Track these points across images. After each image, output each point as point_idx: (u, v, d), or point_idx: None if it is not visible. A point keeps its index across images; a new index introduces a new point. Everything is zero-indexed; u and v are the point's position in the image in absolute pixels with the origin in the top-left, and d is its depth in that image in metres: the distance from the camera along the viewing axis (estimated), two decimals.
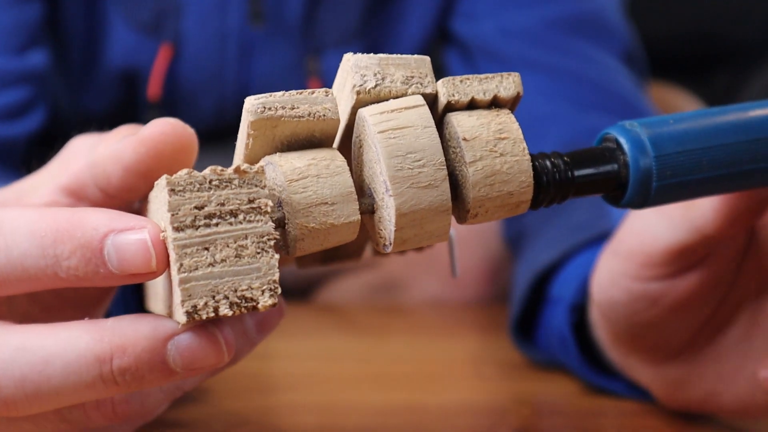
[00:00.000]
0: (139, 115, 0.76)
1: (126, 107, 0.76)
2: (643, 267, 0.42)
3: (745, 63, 1.49)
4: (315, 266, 0.46)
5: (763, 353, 0.42)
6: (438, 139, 0.31)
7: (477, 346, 0.60)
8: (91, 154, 0.36)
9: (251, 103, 0.31)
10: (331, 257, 0.44)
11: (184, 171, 0.29)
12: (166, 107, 0.76)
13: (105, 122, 0.76)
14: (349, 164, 0.33)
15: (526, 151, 0.32)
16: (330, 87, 0.67)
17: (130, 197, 0.36)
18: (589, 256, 0.52)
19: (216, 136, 0.79)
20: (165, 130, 0.34)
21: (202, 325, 0.30)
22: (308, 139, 0.32)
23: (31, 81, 0.68)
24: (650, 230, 0.41)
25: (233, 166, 0.30)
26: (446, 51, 0.80)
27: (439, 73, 0.88)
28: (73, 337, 0.30)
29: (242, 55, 0.75)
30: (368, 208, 0.32)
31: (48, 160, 0.40)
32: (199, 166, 0.68)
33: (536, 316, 0.56)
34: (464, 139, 0.32)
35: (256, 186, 0.30)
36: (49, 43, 0.71)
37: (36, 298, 0.36)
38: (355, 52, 0.34)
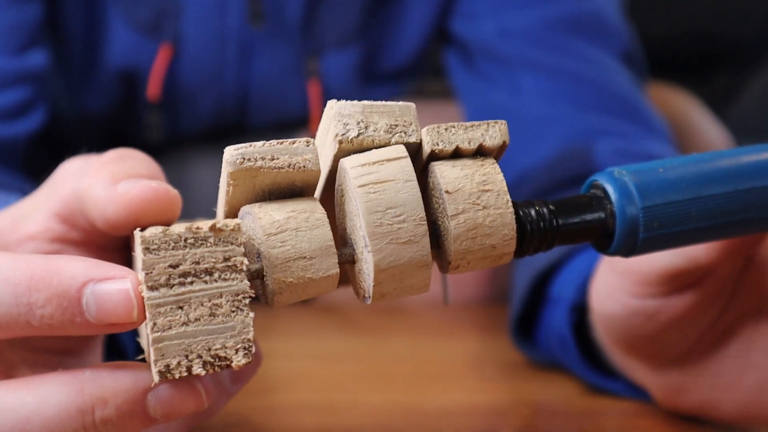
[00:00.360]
0: (139, 115, 0.77)
1: (125, 107, 0.76)
2: (638, 285, 0.42)
3: (745, 63, 1.49)
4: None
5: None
6: (419, 194, 0.31)
7: (477, 346, 0.60)
8: (78, 182, 0.35)
9: (231, 154, 0.31)
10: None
11: (159, 229, 0.29)
12: (166, 107, 0.76)
13: (104, 121, 0.77)
14: (332, 211, 0.33)
15: (510, 204, 0.32)
16: (330, 87, 0.68)
17: (117, 234, 0.36)
18: (590, 256, 0.52)
19: (215, 136, 0.79)
20: (147, 195, 0.33)
21: None
22: (289, 188, 0.32)
23: (31, 81, 0.68)
24: None
25: (209, 224, 0.30)
26: (446, 51, 0.80)
27: (439, 73, 0.89)
28: (52, 392, 0.30)
29: (242, 55, 0.75)
30: (349, 258, 0.32)
31: (49, 161, 0.40)
32: (199, 167, 0.68)
33: (536, 316, 0.56)
34: (447, 192, 0.31)
35: (231, 244, 0.30)
36: (49, 43, 0.71)
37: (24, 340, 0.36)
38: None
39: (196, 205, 0.68)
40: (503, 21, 0.74)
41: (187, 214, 0.35)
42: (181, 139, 0.79)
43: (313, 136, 0.33)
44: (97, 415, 0.30)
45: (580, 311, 0.52)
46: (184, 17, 0.73)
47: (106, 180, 0.34)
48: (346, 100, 0.32)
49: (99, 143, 0.78)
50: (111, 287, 0.29)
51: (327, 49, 0.76)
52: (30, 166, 0.70)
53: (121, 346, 0.44)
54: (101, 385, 0.30)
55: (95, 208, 0.34)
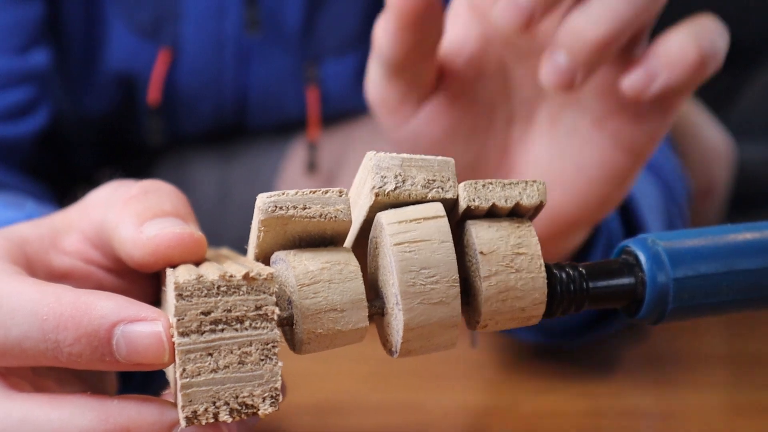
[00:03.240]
0: (138, 118, 0.77)
1: (125, 110, 0.76)
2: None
3: (745, 63, 1.48)
4: None
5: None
6: (453, 256, 0.31)
7: (477, 346, 0.60)
8: (105, 215, 0.36)
9: (263, 201, 0.31)
10: None
11: (194, 276, 0.29)
12: (166, 111, 0.76)
13: (103, 124, 0.77)
14: (364, 261, 0.33)
15: (543, 269, 0.32)
16: (328, 94, 0.68)
17: (145, 271, 0.36)
18: None
19: (214, 139, 0.79)
20: (172, 242, 0.33)
21: None
22: (320, 236, 0.32)
23: (34, 80, 0.68)
24: None
25: (242, 272, 0.30)
26: None
27: None
28: (77, 414, 0.30)
29: (239, 61, 0.75)
30: (379, 310, 0.32)
31: (52, 161, 0.41)
32: (199, 169, 0.68)
33: None
34: (481, 253, 0.31)
35: (264, 293, 0.30)
36: (50, 43, 0.71)
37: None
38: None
39: (196, 206, 0.68)
40: None
41: None
42: (181, 142, 0.79)
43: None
44: None
45: None
46: (183, 22, 0.73)
47: (132, 220, 0.34)
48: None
49: (99, 145, 0.79)
50: (143, 330, 0.29)
51: (326, 56, 0.76)
52: (35, 166, 0.70)
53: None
54: (127, 416, 0.30)
55: (122, 249, 0.34)
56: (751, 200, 0.96)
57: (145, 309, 0.30)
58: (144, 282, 0.38)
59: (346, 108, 0.76)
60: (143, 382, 0.42)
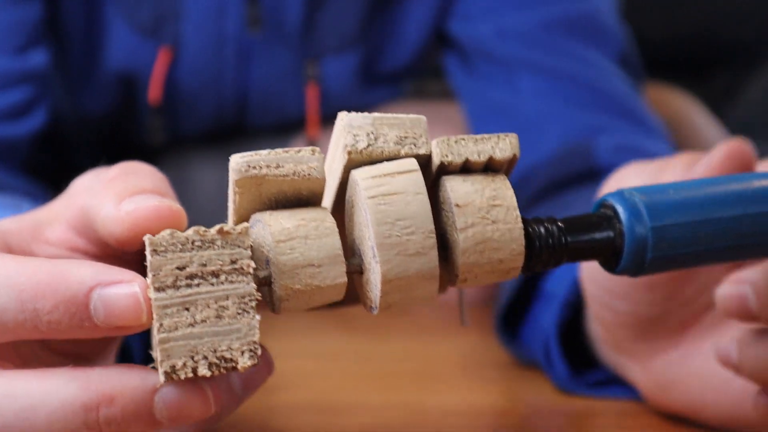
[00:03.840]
0: (139, 117, 0.77)
1: (125, 109, 0.77)
2: None
3: (745, 63, 1.49)
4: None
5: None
6: (428, 207, 0.31)
7: (477, 346, 0.60)
8: (87, 199, 0.36)
9: (236, 162, 0.31)
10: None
11: (167, 231, 0.29)
12: (166, 110, 0.76)
13: (104, 123, 0.77)
14: (343, 222, 0.33)
15: (519, 219, 0.32)
16: (329, 90, 0.68)
17: (129, 250, 0.36)
18: None
19: (215, 138, 0.79)
20: (150, 214, 0.33)
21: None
22: (296, 197, 0.32)
23: (33, 81, 0.68)
24: None
25: (217, 227, 0.30)
26: (444, 53, 0.80)
27: (439, 73, 0.89)
28: (59, 385, 0.30)
29: (240, 59, 0.75)
30: (357, 268, 0.32)
31: (51, 161, 0.41)
32: (199, 168, 0.68)
33: (525, 311, 0.56)
34: (457, 205, 0.32)
35: (238, 247, 0.30)
36: (49, 43, 0.71)
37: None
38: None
39: (197, 206, 0.68)
40: (500, 23, 0.74)
41: (187, 215, 0.35)
42: (181, 141, 0.79)
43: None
44: (101, 414, 0.29)
45: (572, 309, 0.52)
46: (183, 20, 0.73)
47: (111, 199, 0.34)
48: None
49: (100, 145, 0.79)
50: (119, 291, 0.29)
51: (326, 53, 0.77)
52: (33, 166, 0.70)
53: (131, 355, 0.44)
54: (109, 382, 0.30)
55: (103, 228, 0.34)
56: None
57: (122, 272, 0.30)
58: (130, 267, 0.38)
59: (346, 106, 0.76)
60: None
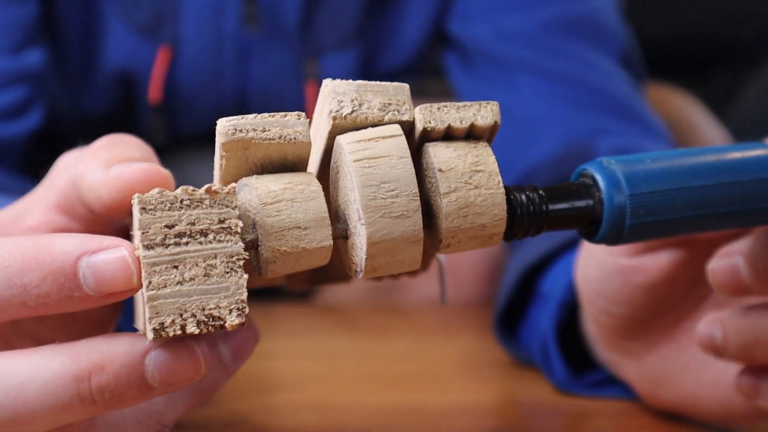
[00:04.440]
0: (138, 117, 0.77)
1: (124, 108, 0.77)
2: None
3: (745, 63, 1.49)
4: (304, 287, 0.46)
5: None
6: (412, 170, 0.31)
7: (476, 346, 0.60)
8: (73, 171, 0.36)
9: (223, 125, 0.32)
10: (321, 279, 0.45)
11: (156, 190, 0.30)
12: (166, 110, 0.76)
13: (103, 123, 0.77)
14: (327, 189, 0.33)
15: (501, 185, 0.32)
16: None
17: (115, 217, 0.36)
18: None
19: (214, 138, 0.79)
20: (139, 177, 0.33)
21: (178, 338, 0.30)
22: (281, 162, 0.33)
23: (29, 80, 0.68)
24: None
25: (205, 186, 0.30)
26: (444, 52, 0.80)
27: (439, 73, 0.88)
28: (47, 358, 0.30)
29: (239, 58, 0.75)
30: (342, 233, 0.33)
31: (49, 161, 0.41)
32: (199, 168, 0.68)
33: (523, 311, 0.56)
34: (440, 170, 0.32)
35: (227, 206, 0.30)
36: (46, 42, 0.71)
37: (42, 319, 0.36)
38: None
39: None
40: (500, 23, 0.74)
41: None
42: (181, 141, 0.79)
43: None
44: (93, 382, 0.29)
45: (569, 310, 0.52)
46: (181, 20, 0.73)
47: (100, 165, 0.34)
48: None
49: None
50: (107, 256, 0.29)
51: (325, 51, 0.77)
52: (30, 165, 0.70)
53: None
54: (98, 350, 0.30)
55: (91, 193, 0.34)
56: None
57: (107, 239, 0.30)
58: None
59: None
60: None
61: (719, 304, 0.44)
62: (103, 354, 0.30)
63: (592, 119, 0.69)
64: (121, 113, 0.77)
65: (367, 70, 0.80)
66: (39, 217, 0.37)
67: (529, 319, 0.55)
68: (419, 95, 0.88)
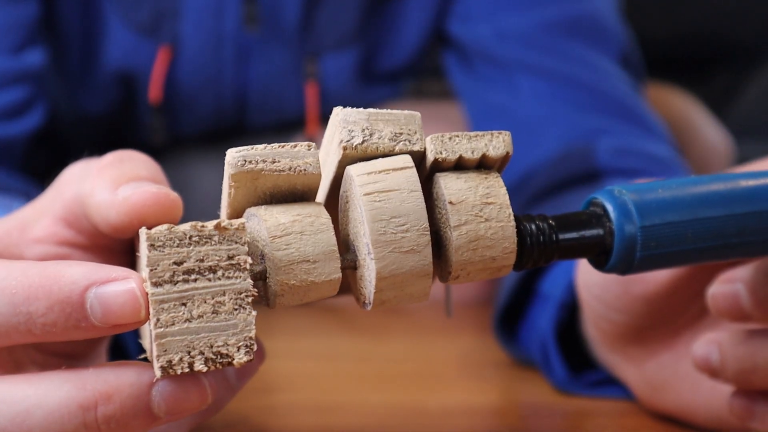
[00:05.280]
0: (138, 117, 0.77)
1: (124, 108, 0.77)
2: None
3: (745, 63, 1.49)
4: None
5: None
6: (423, 204, 0.31)
7: (476, 347, 0.60)
8: (80, 187, 0.35)
9: (232, 156, 0.31)
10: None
11: (165, 226, 0.29)
12: (166, 110, 0.76)
13: (103, 122, 0.77)
14: (336, 217, 0.33)
15: (512, 217, 0.32)
16: (328, 89, 0.67)
17: (122, 236, 0.36)
18: None
19: (215, 137, 0.79)
20: (147, 201, 0.33)
21: None
22: (290, 191, 0.32)
23: (29, 80, 0.68)
24: None
25: (214, 222, 0.30)
26: (444, 53, 0.80)
27: (439, 73, 0.88)
28: (53, 387, 0.29)
29: (239, 58, 0.75)
30: (351, 264, 0.33)
31: (49, 161, 0.41)
32: (199, 168, 0.68)
33: (523, 311, 0.56)
34: (450, 203, 0.32)
35: (236, 243, 0.30)
36: (46, 42, 0.71)
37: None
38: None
39: (197, 205, 0.68)
40: (500, 23, 0.74)
41: (187, 214, 0.35)
42: (181, 141, 0.79)
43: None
44: (99, 412, 0.29)
45: (568, 310, 0.52)
46: (181, 19, 0.73)
47: (107, 185, 0.34)
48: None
49: (99, 144, 0.79)
50: (115, 288, 0.29)
51: (325, 51, 0.77)
52: (30, 165, 0.70)
53: (124, 349, 0.44)
54: (104, 380, 0.30)
55: (98, 214, 0.34)
56: None
57: (116, 269, 0.29)
58: (119, 257, 0.38)
59: (345, 103, 0.77)
60: None
61: (718, 321, 0.43)
62: (109, 384, 0.30)
63: (592, 119, 0.69)
64: (121, 113, 0.77)
65: (367, 70, 0.80)
66: (46, 228, 0.37)
67: (528, 319, 0.55)
68: (419, 95, 0.89)
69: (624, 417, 0.48)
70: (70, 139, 0.78)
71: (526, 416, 0.49)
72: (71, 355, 0.37)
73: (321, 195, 0.35)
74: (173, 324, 0.29)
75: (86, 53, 0.74)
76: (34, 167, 0.71)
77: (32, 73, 0.68)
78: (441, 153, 0.32)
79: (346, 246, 0.33)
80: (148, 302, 0.29)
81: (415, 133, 0.33)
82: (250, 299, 0.30)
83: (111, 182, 0.34)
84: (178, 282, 0.29)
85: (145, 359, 0.32)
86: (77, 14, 0.73)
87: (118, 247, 0.37)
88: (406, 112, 0.33)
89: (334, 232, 0.31)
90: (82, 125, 0.77)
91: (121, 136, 0.79)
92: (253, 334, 0.30)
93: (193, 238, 0.30)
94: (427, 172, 0.33)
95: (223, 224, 0.30)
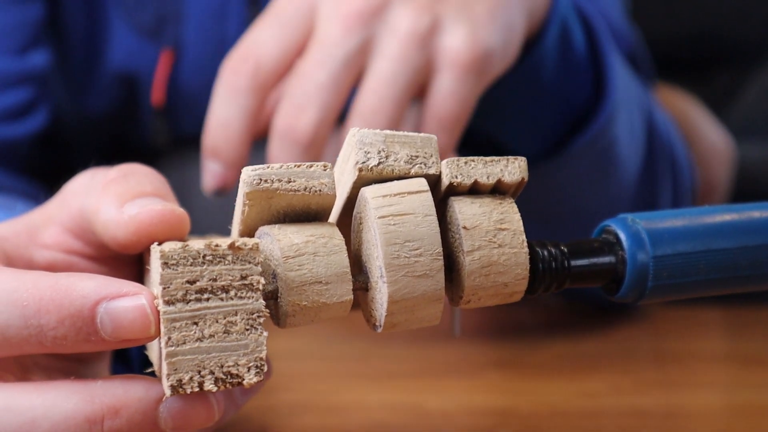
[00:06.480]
0: (141, 119, 0.77)
1: (127, 110, 0.77)
2: None
3: (745, 63, 1.48)
4: None
5: None
6: (437, 229, 0.31)
7: (476, 347, 0.60)
8: (85, 201, 0.35)
9: (248, 174, 0.31)
10: None
11: (179, 245, 0.29)
12: (169, 112, 0.76)
13: (106, 124, 0.77)
14: (349, 238, 0.33)
15: (525, 244, 0.32)
16: None
17: (129, 252, 0.36)
18: None
19: None
20: (154, 219, 0.33)
21: None
22: (304, 211, 0.33)
23: (33, 81, 0.68)
24: None
25: (228, 242, 0.30)
26: None
27: None
28: (61, 398, 0.30)
29: None
30: (363, 285, 0.33)
31: (52, 162, 0.41)
32: (200, 171, 0.68)
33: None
34: (464, 228, 0.32)
35: (249, 263, 0.30)
36: (51, 43, 0.71)
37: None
38: None
39: (199, 207, 0.68)
40: None
41: (190, 217, 0.35)
42: (183, 143, 0.79)
43: None
44: (106, 426, 0.29)
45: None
46: (185, 23, 0.73)
47: (113, 201, 0.34)
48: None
49: (101, 146, 0.79)
50: (126, 304, 0.29)
51: None
52: (34, 167, 0.70)
53: (127, 356, 0.44)
54: (112, 394, 0.30)
55: (105, 231, 0.34)
56: (750, 199, 0.96)
57: (126, 284, 0.30)
58: (126, 268, 0.38)
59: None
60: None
61: None
62: (117, 398, 0.30)
63: None
64: (123, 115, 0.77)
65: None
66: (54, 236, 0.37)
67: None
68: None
69: (624, 417, 0.48)
70: (73, 141, 0.78)
71: (526, 416, 0.49)
72: (76, 358, 0.37)
73: (334, 214, 0.35)
74: (184, 343, 0.29)
75: (89, 55, 0.74)
76: (38, 169, 0.71)
77: (36, 75, 0.68)
78: (456, 177, 0.32)
79: (358, 266, 0.33)
80: (158, 318, 0.29)
81: (431, 156, 0.33)
82: (261, 320, 0.30)
83: (117, 198, 0.34)
84: (190, 301, 0.29)
85: (153, 373, 0.33)
86: (81, 16, 0.73)
87: (125, 258, 0.37)
88: (422, 134, 0.33)
89: (346, 254, 0.31)
90: (85, 127, 0.77)
91: (124, 138, 0.79)
92: (264, 354, 0.30)
93: (207, 257, 0.30)
94: (442, 195, 0.33)
95: (237, 244, 0.30)
